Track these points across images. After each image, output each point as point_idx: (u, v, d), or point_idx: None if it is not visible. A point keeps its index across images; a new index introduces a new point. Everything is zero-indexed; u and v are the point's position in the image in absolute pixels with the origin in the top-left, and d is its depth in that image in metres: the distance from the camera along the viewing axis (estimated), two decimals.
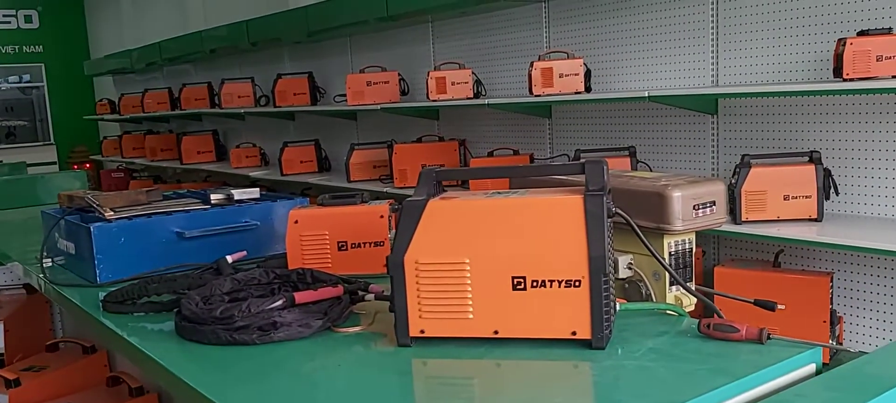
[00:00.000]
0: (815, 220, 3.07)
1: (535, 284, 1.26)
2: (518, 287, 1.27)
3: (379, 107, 5.12)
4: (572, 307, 1.25)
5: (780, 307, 1.48)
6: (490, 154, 4.60)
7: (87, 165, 10.62)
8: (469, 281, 1.30)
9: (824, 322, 3.03)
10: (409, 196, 1.40)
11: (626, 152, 3.83)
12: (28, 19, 12.08)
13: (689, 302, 1.76)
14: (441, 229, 1.32)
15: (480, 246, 1.29)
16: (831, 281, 3.06)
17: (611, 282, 1.26)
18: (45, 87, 12.31)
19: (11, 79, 12.32)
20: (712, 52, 3.61)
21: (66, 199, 2.26)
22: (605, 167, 1.27)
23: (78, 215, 2.11)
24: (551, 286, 1.26)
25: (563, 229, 1.25)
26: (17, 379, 2.62)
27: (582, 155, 3.82)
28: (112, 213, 1.99)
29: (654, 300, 1.70)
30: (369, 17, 5.07)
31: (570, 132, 4.41)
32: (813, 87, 3.02)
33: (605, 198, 1.24)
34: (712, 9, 3.59)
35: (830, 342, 3.06)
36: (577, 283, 1.24)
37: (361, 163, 5.42)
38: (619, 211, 1.29)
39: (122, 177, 9.26)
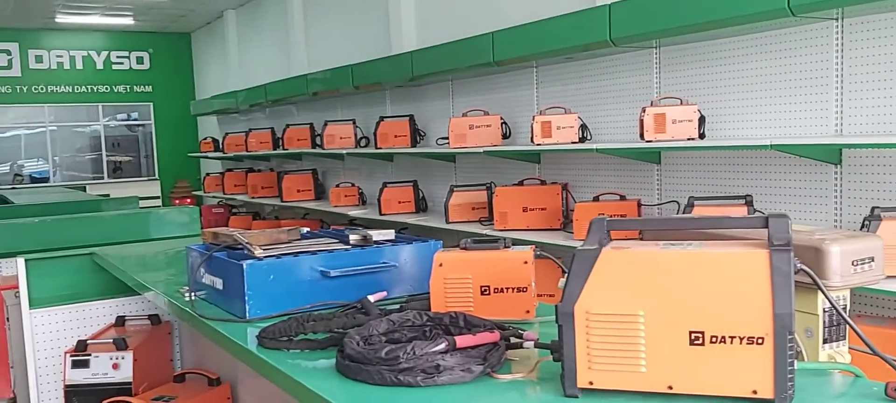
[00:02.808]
0: None
1: (714, 340, 1.24)
2: (696, 342, 1.25)
3: (481, 150, 5.17)
4: (754, 364, 1.22)
5: None
6: (595, 199, 4.57)
7: (189, 200, 11.08)
8: (642, 334, 1.29)
9: None
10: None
11: (743, 201, 3.74)
12: (140, 61, 12.85)
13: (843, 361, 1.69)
14: (614, 279, 1.31)
15: (656, 298, 1.28)
16: None
17: (795, 341, 1.23)
18: (153, 125, 13.00)
19: (119, 116, 13.07)
20: (837, 99, 3.51)
21: (210, 236, 2.36)
22: (789, 223, 1.25)
23: (225, 252, 2.20)
24: (732, 342, 1.23)
25: (747, 284, 1.22)
26: None
27: (696, 201, 3.75)
28: (261, 252, 2.06)
29: (806, 358, 1.65)
30: (475, 63, 5.16)
31: (680, 178, 4.34)
32: None
33: (791, 255, 1.21)
34: (837, 54, 3.50)
35: None
36: (759, 341, 1.21)
37: (461, 204, 5.48)
38: (805, 268, 1.26)
39: (222, 212, 9.61)
